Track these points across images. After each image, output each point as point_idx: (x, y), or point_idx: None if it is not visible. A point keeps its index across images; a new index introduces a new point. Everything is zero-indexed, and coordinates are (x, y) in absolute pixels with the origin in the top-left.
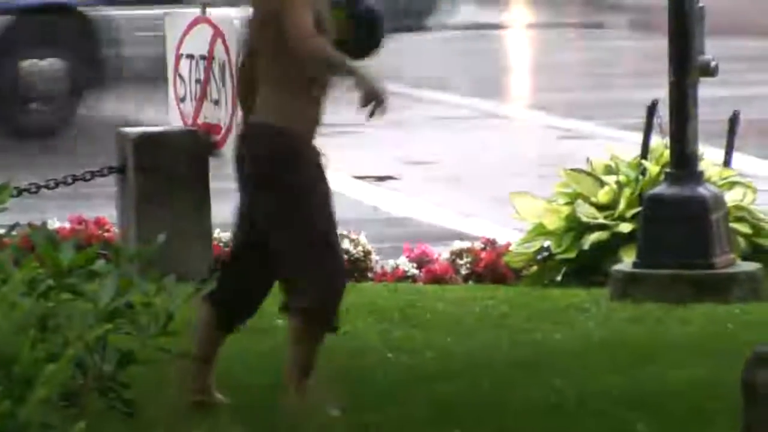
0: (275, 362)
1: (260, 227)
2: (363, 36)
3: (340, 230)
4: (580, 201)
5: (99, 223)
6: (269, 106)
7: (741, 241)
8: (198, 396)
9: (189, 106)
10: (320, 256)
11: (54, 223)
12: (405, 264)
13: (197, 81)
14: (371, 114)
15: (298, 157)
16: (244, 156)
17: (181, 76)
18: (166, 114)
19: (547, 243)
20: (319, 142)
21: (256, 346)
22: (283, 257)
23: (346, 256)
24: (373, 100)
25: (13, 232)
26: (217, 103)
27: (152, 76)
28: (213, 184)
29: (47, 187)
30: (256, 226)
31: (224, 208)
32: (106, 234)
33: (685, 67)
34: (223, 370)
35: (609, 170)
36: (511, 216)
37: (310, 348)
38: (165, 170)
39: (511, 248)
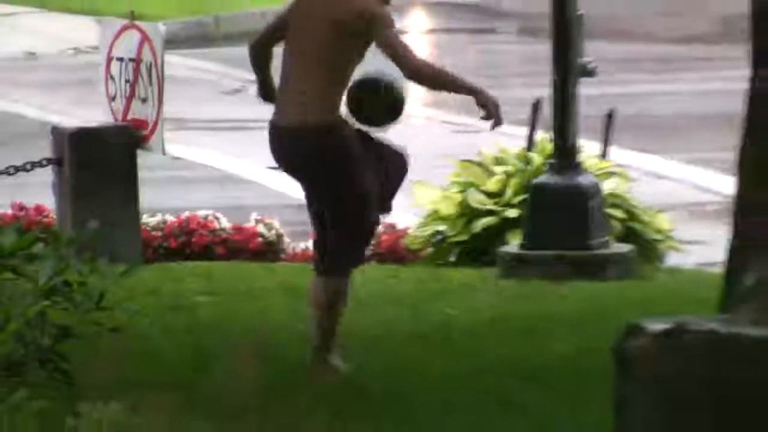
0: (195, 338)
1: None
2: (391, 108)
3: (255, 215)
4: (471, 189)
5: (38, 210)
6: (309, 106)
7: (616, 225)
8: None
9: (119, 104)
10: (364, 237)
11: None
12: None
13: (127, 81)
14: (497, 122)
15: (339, 146)
16: (294, 151)
17: (112, 77)
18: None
19: (442, 227)
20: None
21: (178, 322)
22: (338, 227)
23: (260, 239)
24: (494, 109)
25: None
26: (144, 100)
27: None
28: (141, 174)
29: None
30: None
31: (151, 196)
32: (45, 220)
33: (567, 69)
34: (149, 346)
35: (498, 161)
36: (410, 203)
37: (337, 313)
38: (98, 162)
39: (409, 232)
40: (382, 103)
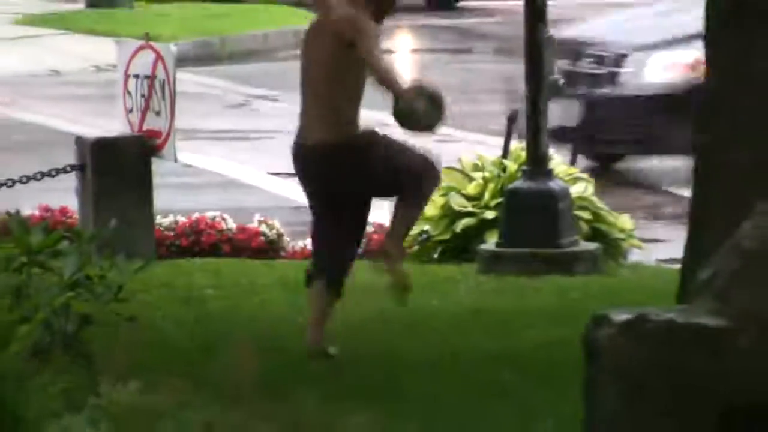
0: (203, 327)
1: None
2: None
3: (258, 216)
4: (453, 193)
5: (63, 211)
6: (327, 122)
7: (583, 225)
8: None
9: (135, 116)
10: (408, 155)
11: (26, 212)
12: (311, 244)
13: (142, 96)
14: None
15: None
16: (308, 167)
17: (129, 92)
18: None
19: (426, 227)
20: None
21: (188, 313)
22: (382, 183)
23: (262, 238)
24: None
25: None
26: (158, 113)
27: None
28: (154, 179)
29: (20, 181)
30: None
31: (163, 199)
32: (68, 221)
33: (538, 86)
34: (161, 334)
35: (476, 168)
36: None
37: (415, 214)
38: (116, 168)
39: None
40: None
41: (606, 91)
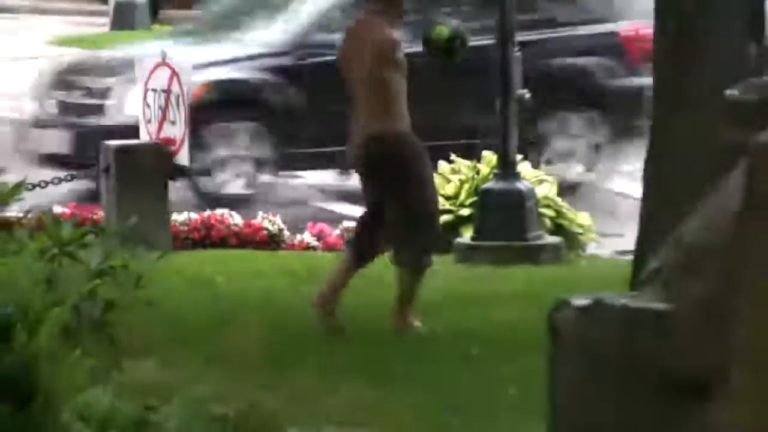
0: (214, 308)
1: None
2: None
3: (262, 213)
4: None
5: (90, 208)
6: (375, 116)
7: (547, 221)
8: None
9: (153, 126)
10: (423, 227)
11: (57, 209)
12: (308, 238)
13: (159, 107)
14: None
15: (407, 147)
16: (361, 154)
17: (148, 104)
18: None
19: None
20: None
21: (200, 296)
22: (399, 225)
23: (265, 232)
24: None
25: (29, 216)
26: (173, 123)
27: None
28: (171, 182)
29: (53, 182)
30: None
31: (179, 198)
32: (95, 217)
33: (507, 99)
34: (176, 316)
35: (453, 171)
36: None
37: (411, 288)
38: (137, 171)
39: None
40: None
41: (93, 121)
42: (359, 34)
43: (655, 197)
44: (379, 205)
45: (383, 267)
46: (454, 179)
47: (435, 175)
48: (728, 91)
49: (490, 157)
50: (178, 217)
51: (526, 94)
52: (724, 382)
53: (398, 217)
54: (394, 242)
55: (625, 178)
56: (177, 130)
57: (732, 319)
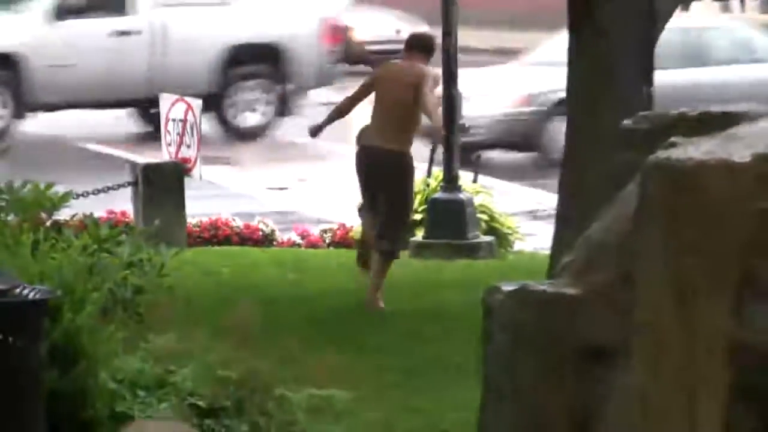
0: (220, 292)
1: (380, 194)
2: None
3: (258, 217)
4: None
5: (123, 213)
6: (397, 138)
7: (483, 224)
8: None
9: (173, 148)
10: (406, 228)
11: (97, 214)
12: (294, 237)
13: (177, 134)
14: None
15: (411, 167)
16: (378, 163)
17: (168, 131)
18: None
19: None
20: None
21: (209, 282)
22: (393, 211)
23: (260, 233)
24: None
25: (74, 218)
26: (188, 146)
27: None
28: (186, 192)
29: (93, 193)
30: (377, 193)
31: (192, 205)
32: (126, 220)
33: (452, 127)
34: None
35: None
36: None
37: (384, 274)
38: (159, 184)
39: (354, 228)
40: None
41: None
42: (404, 68)
43: (568, 204)
44: (374, 200)
45: (338, 256)
46: None
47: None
48: (625, 122)
49: (437, 173)
50: (191, 220)
51: (465, 124)
52: (625, 351)
53: (392, 217)
54: (385, 234)
55: None
56: (191, 152)
57: (629, 302)
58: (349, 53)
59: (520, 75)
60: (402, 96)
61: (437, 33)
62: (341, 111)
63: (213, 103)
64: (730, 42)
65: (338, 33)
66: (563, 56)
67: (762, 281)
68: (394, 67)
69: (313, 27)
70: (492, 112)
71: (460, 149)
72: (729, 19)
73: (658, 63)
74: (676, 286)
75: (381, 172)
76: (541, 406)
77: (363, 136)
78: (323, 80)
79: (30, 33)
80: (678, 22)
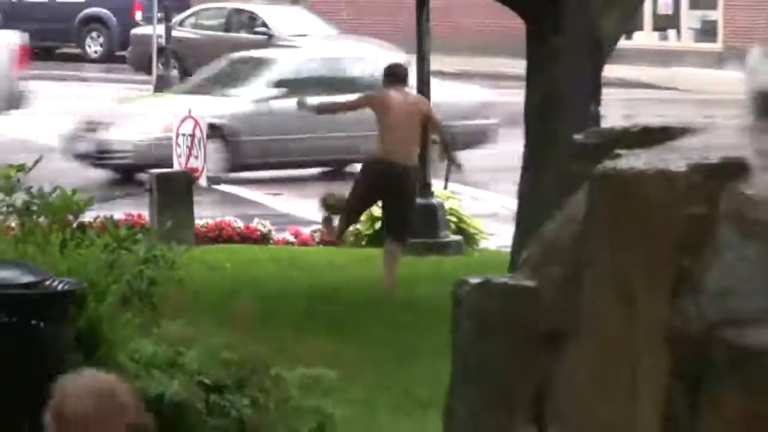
0: (224, 284)
1: (393, 201)
2: None
3: (257, 219)
4: (374, 207)
5: (139, 216)
6: (411, 155)
7: (452, 225)
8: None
9: (183, 159)
10: (413, 224)
11: (117, 216)
12: (288, 236)
13: (187, 146)
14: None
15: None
16: (397, 176)
17: (179, 144)
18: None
19: (359, 226)
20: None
21: (215, 276)
22: (405, 215)
23: (259, 232)
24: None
25: (97, 220)
26: (196, 158)
27: None
28: (195, 197)
29: (113, 198)
30: (387, 200)
31: (200, 209)
32: (143, 221)
33: (426, 143)
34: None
35: None
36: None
37: (398, 258)
38: (171, 190)
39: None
40: None
41: None
42: (406, 96)
43: (527, 207)
44: (366, 206)
45: (326, 254)
46: None
47: None
48: (575, 136)
49: None
50: (199, 222)
51: (437, 139)
52: (575, 334)
53: (407, 216)
54: (402, 229)
55: None
56: (199, 162)
57: (578, 294)
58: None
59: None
60: (412, 120)
61: (413, 59)
62: (335, 110)
63: None
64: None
65: (25, 58)
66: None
67: (695, 277)
68: (395, 95)
69: (3, 53)
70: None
71: None
72: (376, 49)
73: (305, 91)
74: (619, 282)
75: (398, 182)
76: (503, 384)
77: (380, 151)
78: (13, 104)
79: None
80: (323, 53)
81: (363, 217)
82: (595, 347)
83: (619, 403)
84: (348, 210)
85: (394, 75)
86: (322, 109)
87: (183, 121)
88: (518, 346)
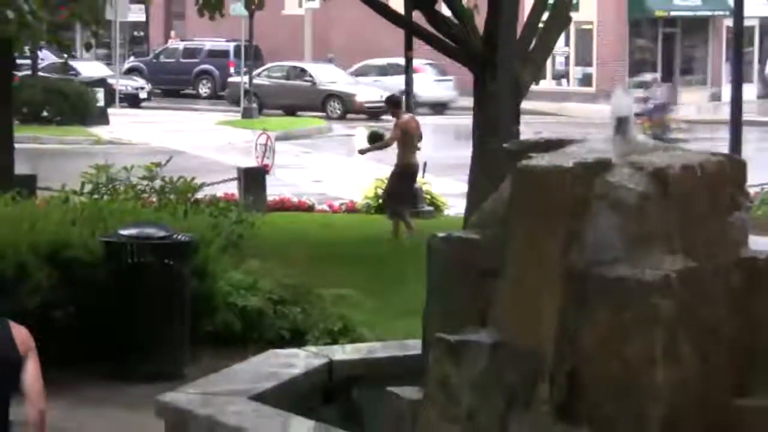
0: (288, 237)
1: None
2: None
3: (305, 197)
4: (379, 187)
5: (232, 195)
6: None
7: (427, 199)
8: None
9: (260, 160)
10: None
11: (219, 195)
12: (325, 207)
13: (263, 152)
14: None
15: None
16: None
17: (257, 150)
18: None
19: (368, 201)
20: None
21: (280, 232)
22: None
23: (306, 205)
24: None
25: (205, 198)
26: (268, 158)
27: None
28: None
29: (217, 183)
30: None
31: (270, 189)
32: (234, 198)
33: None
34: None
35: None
36: (361, 193)
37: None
38: (252, 179)
39: (358, 202)
40: None
41: None
42: (413, 119)
43: (474, 189)
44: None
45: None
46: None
47: (380, 180)
48: (505, 145)
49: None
50: (269, 198)
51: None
52: (504, 270)
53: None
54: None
55: None
56: (269, 161)
57: (505, 244)
58: (352, 108)
59: None
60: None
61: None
62: (387, 145)
63: None
64: None
65: None
66: None
67: (578, 235)
68: (411, 119)
69: None
70: None
71: None
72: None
73: None
74: (530, 238)
75: (412, 175)
76: (458, 302)
77: (409, 160)
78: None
79: None
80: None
81: (372, 193)
82: (516, 279)
83: (531, 315)
84: (405, 205)
85: (391, 103)
86: (376, 148)
87: (260, 135)
88: (469, 278)
